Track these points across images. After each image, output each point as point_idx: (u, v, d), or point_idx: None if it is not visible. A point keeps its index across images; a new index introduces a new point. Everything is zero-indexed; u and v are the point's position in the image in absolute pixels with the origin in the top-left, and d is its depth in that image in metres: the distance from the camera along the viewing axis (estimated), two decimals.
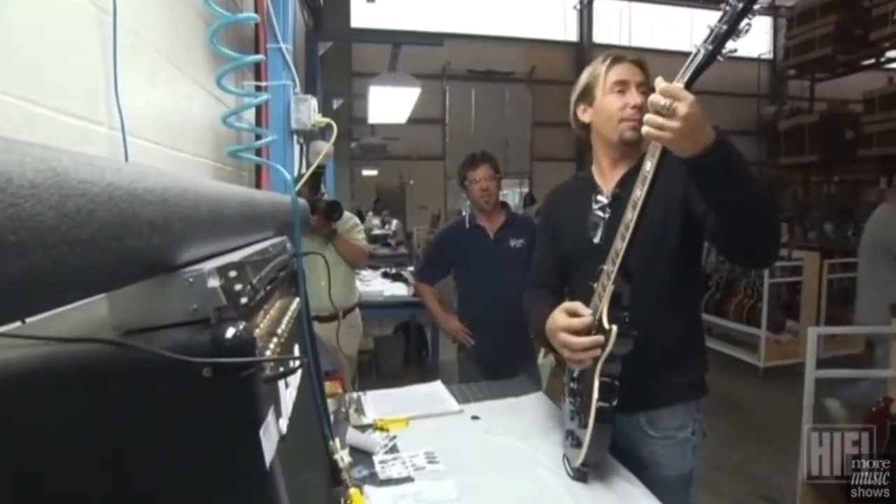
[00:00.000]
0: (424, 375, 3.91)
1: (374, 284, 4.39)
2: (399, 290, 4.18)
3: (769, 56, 13.62)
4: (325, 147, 1.78)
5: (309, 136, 1.77)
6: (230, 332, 0.46)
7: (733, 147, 0.93)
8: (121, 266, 0.37)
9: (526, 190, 14.42)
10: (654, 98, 0.90)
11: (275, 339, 0.64)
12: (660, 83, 0.90)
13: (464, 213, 2.88)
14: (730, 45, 0.87)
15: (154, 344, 0.43)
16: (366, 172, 11.04)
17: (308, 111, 1.66)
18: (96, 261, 0.33)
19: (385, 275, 4.77)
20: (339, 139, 6.36)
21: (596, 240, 1.28)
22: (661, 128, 0.89)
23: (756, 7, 0.85)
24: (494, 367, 2.55)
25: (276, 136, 1.43)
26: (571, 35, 13.32)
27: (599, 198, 1.31)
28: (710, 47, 0.87)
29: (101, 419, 0.42)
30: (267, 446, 0.47)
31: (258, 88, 1.60)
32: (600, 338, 1.08)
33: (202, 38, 1.15)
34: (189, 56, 1.19)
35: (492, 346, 2.59)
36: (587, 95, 1.31)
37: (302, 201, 1.54)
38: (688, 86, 0.89)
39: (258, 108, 1.59)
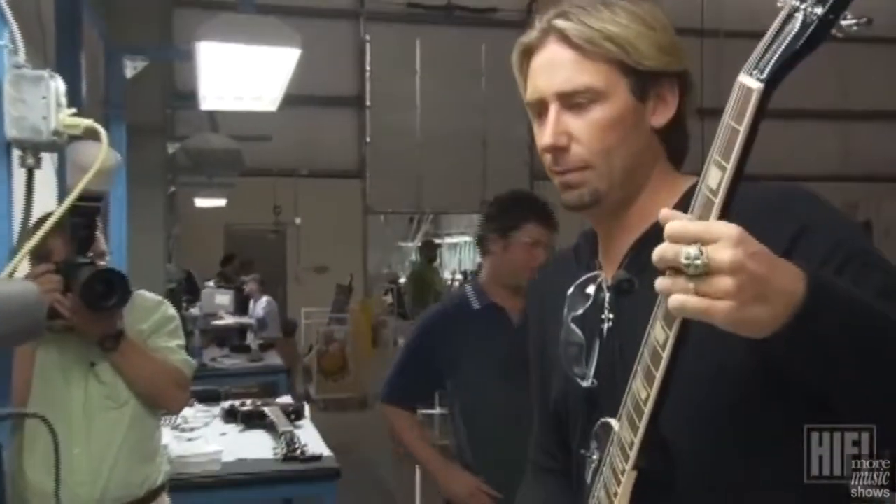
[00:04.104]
0: None
1: (208, 436, 4.26)
2: (259, 448, 4.09)
3: None
4: (98, 155, 1.76)
5: (49, 148, 1.73)
6: None
7: (841, 291, 0.97)
8: None
9: None
10: (666, 251, 0.90)
11: None
12: (667, 212, 0.93)
13: (466, 287, 3.18)
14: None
15: None
16: (203, 203, 11.08)
17: (45, 103, 1.63)
18: None
19: (230, 415, 4.64)
20: (145, 137, 6.38)
21: (585, 381, 1.31)
22: (698, 304, 0.89)
23: None
24: None
25: None
26: None
27: (589, 290, 1.34)
28: (819, 10, 0.86)
29: None
30: None
31: None
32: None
33: None
34: None
35: None
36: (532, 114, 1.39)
37: (23, 288, 1.47)
38: (766, 92, 0.88)
39: None
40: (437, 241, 19.17)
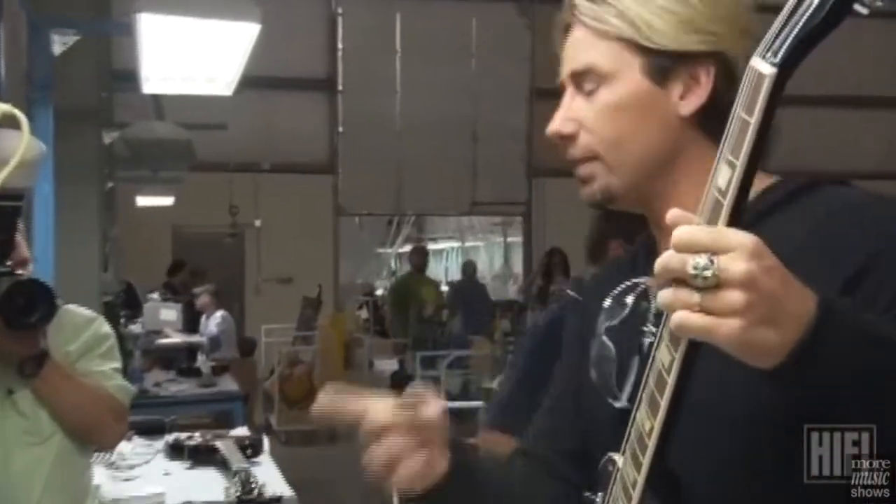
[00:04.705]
0: None
1: (148, 475, 4.27)
2: (209, 489, 4.08)
3: None
4: (18, 145, 1.76)
5: None
6: None
7: (854, 318, 0.99)
8: None
9: (517, 238, 14.56)
10: (670, 260, 0.91)
11: None
12: (676, 214, 0.94)
13: (572, 294, 3.21)
14: None
15: None
16: (146, 201, 11.06)
17: None
18: None
19: (175, 451, 4.62)
20: (76, 125, 6.33)
21: (618, 401, 1.33)
22: (701, 322, 0.91)
23: None
24: None
25: None
26: None
27: (628, 299, 1.35)
28: None
29: None
30: None
31: None
32: None
33: None
34: None
35: None
36: None
37: None
38: (781, 77, 0.89)
39: None
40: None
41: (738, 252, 0.89)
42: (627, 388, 1.31)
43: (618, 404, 1.31)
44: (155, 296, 9.70)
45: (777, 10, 0.94)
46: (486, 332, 11.60)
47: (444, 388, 8.52)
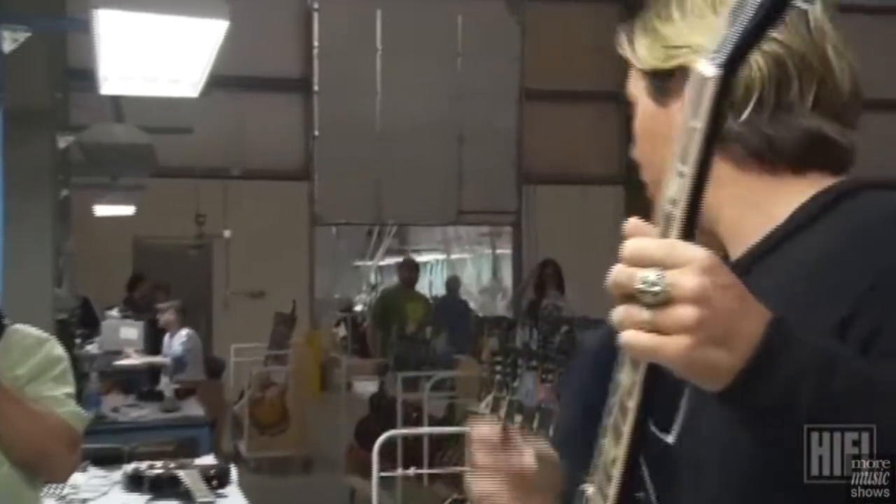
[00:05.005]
0: None
1: None
2: None
3: None
4: None
5: None
6: None
7: (806, 338, 1.00)
8: None
9: (506, 249, 14.49)
10: (618, 275, 0.93)
11: None
12: (632, 225, 0.96)
13: None
14: None
15: None
16: (105, 210, 11.03)
17: None
18: None
19: (134, 482, 4.60)
20: (28, 127, 6.31)
21: (669, 437, 1.33)
22: (648, 341, 0.92)
23: None
24: None
25: None
26: None
27: None
28: None
29: None
30: None
31: None
32: None
33: None
34: None
35: None
36: None
37: None
38: (725, 79, 0.90)
39: None
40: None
41: (690, 267, 0.90)
42: (676, 421, 1.32)
43: (670, 439, 1.32)
44: (114, 313, 9.70)
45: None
46: (473, 352, 11.58)
47: (426, 412, 8.49)
